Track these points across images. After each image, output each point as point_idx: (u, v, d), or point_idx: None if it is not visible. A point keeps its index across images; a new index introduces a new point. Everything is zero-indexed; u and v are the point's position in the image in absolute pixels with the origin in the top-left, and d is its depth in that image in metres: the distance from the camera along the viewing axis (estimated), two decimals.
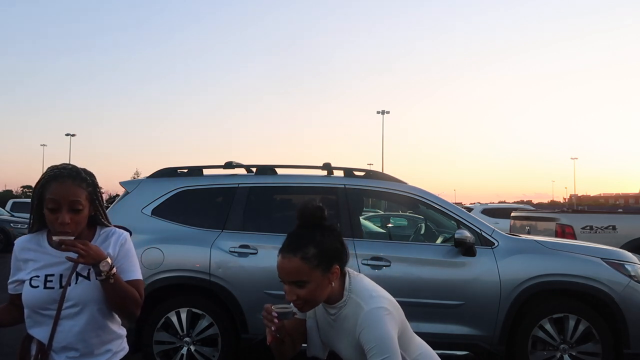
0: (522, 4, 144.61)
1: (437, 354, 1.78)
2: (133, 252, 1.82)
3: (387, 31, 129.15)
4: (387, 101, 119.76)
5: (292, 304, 1.65)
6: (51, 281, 1.67)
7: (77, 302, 1.67)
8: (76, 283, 1.67)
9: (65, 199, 1.63)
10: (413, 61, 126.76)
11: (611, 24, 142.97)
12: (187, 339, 3.97)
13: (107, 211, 1.82)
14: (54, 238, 1.60)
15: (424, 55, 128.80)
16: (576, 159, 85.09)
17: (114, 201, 5.01)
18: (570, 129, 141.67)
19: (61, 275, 1.68)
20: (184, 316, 3.98)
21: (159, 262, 3.98)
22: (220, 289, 3.96)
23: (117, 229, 1.83)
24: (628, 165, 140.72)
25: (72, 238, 1.59)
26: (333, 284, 1.64)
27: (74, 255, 1.58)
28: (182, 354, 3.94)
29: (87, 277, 1.68)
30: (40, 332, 1.68)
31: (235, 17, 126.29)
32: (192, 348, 3.96)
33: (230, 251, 4.02)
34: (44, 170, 1.71)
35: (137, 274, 1.79)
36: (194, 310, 3.99)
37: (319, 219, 1.66)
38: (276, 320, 1.61)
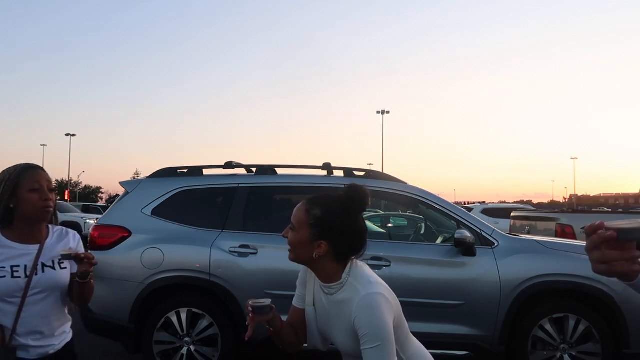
0: (522, 5, 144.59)
1: (437, 354, 1.78)
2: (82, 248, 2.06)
3: (387, 32, 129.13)
4: (387, 101, 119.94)
5: (269, 300, 1.66)
6: (17, 271, 1.82)
7: (44, 288, 1.85)
8: (43, 272, 1.85)
9: (45, 181, 1.89)
10: (413, 61, 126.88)
11: (611, 25, 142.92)
12: (187, 339, 3.97)
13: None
14: (62, 253, 1.80)
15: (424, 55, 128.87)
16: (576, 159, 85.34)
17: (114, 201, 5.00)
18: (570, 129, 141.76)
19: (26, 266, 1.84)
20: (184, 316, 3.98)
21: (159, 262, 3.98)
22: (220, 289, 3.96)
23: (64, 227, 2.03)
24: (628, 165, 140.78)
25: (74, 252, 1.80)
26: (315, 255, 1.63)
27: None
28: (182, 354, 3.94)
29: (53, 267, 1.88)
30: (4, 319, 1.80)
31: (236, 18, 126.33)
32: (192, 348, 3.95)
33: (230, 251, 4.02)
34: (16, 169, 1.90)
35: None
36: (194, 310, 3.99)
37: (354, 201, 1.65)
38: (250, 315, 1.63)
